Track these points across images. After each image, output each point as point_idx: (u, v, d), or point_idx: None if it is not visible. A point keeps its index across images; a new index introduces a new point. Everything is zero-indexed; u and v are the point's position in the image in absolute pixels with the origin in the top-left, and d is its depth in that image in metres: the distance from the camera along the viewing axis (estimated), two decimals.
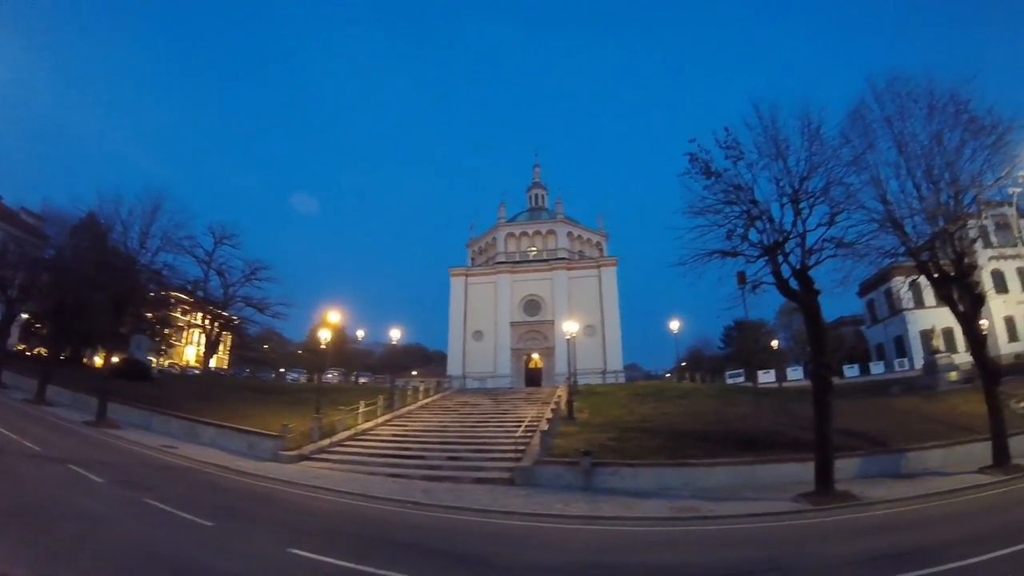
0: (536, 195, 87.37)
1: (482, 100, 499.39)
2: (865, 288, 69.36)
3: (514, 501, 19.03)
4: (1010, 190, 26.29)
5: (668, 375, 72.83)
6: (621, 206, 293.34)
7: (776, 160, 22.44)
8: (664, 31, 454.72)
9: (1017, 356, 58.79)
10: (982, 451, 24.08)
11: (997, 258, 61.15)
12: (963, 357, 47.21)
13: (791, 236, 22.10)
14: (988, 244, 60.97)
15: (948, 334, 54.96)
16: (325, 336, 39.61)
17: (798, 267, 22.16)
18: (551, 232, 78.08)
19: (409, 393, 41.79)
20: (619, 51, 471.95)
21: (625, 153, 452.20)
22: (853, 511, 17.92)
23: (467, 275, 74.35)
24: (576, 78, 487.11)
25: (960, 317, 25.89)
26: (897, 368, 62.91)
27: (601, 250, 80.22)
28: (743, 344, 75.49)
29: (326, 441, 28.75)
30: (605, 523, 16.54)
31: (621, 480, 22.17)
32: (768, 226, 22.26)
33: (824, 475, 19.95)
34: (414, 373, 77.37)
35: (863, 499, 19.17)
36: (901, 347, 67.78)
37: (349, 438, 29.97)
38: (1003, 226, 59.91)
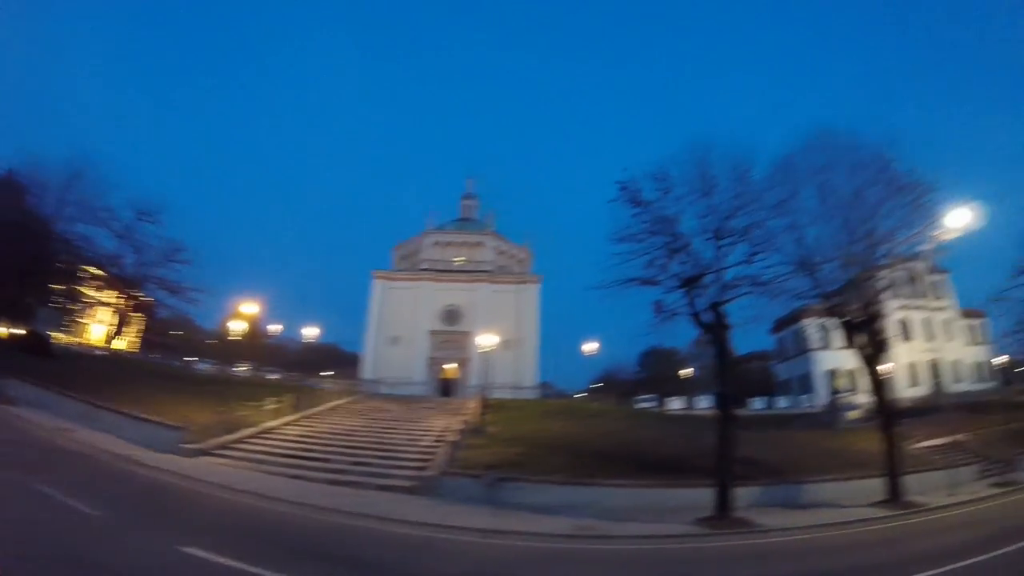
0: (467, 205, 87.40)
1: (428, 107, 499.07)
2: (777, 326, 71.73)
3: (415, 511, 18.84)
4: (920, 247, 27.60)
5: (582, 395, 73.73)
6: (549, 226, 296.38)
7: (703, 197, 23.21)
8: (618, 57, 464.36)
9: (916, 399, 61.79)
10: (876, 486, 25.31)
11: (905, 308, 64.48)
12: (863, 397, 49.41)
13: (709, 271, 22.84)
14: (898, 295, 64.24)
15: (851, 375, 57.30)
16: (238, 327, 38.58)
17: (713, 301, 22.89)
18: (478, 244, 78.00)
19: (319, 394, 40.97)
20: (567, 73, 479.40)
21: (558, 175, 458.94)
22: (748, 537, 18.50)
23: (390, 279, 73.44)
24: (521, 98, 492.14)
25: (864, 360, 27.14)
26: (802, 404, 64.76)
27: (526, 267, 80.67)
28: (656, 370, 76.95)
29: (230, 436, 27.76)
30: (504, 537, 16.54)
31: (525, 496, 22.13)
32: (688, 259, 22.97)
33: (723, 501, 20.55)
34: (327, 374, 75.69)
35: (759, 526, 19.84)
36: (806, 384, 69.97)
37: (254, 435, 28.99)
38: (912, 280, 63.11)
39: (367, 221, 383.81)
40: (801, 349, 71.49)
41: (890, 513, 22.82)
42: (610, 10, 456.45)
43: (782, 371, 78.64)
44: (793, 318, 64.59)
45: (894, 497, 24.32)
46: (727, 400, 22.76)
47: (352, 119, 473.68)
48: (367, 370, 68.22)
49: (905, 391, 66.25)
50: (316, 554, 12.53)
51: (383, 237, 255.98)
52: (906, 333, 70.07)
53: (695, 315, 22.79)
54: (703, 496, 21.41)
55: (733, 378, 23.79)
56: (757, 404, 64.86)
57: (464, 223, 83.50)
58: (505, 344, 65.50)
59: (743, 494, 23.46)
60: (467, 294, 72.15)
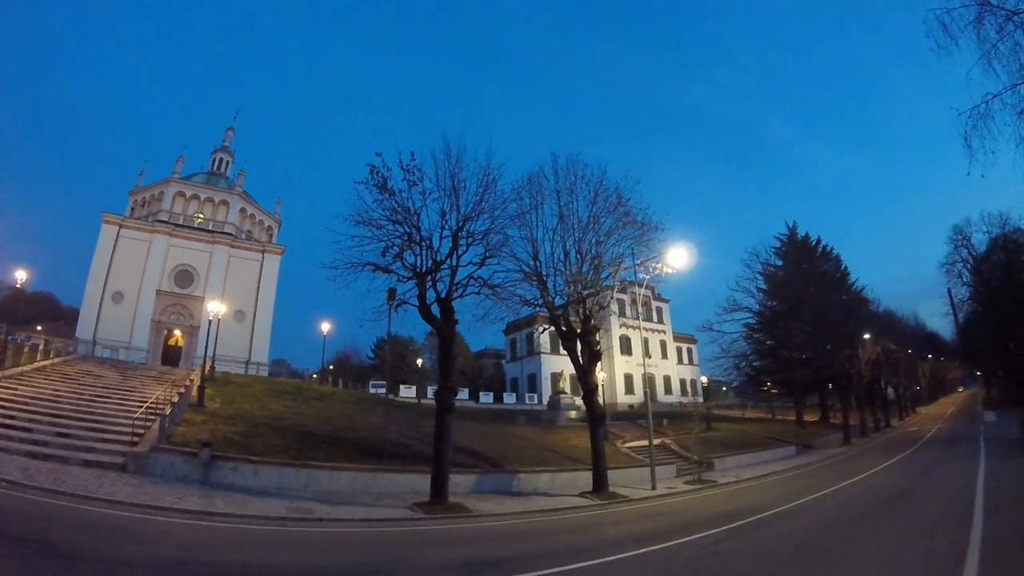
0: (221, 159, 78.18)
1: (196, 46, 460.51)
2: (510, 328, 75.83)
3: (123, 490, 17.57)
4: (642, 275, 30.94)
5: (314, 376, 72.20)
6: (302, 199, 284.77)
7: (450, 196, 23.86)
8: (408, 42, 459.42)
9: (631, 406, 68.52)
10: (585, 478, 27.78)
11: (627, 327, 71.12)
12: (581, 400, 53.57)
13: (443, 266, 23.60)
14: (623, 314, 70.92)
15: (575, 379, 61.57)
16: None
17: (443, 296, 23.76)
18: (224, 203, 71.26)
19: (27, 351, 36.48)
20: (349, 50, 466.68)
21: (319, 150, 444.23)
22: (463, 522, 19.34)
23: (122, 225, 62.99)
24: (295, 63, 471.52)
25: (578, 367, 29.47)
26: (527, 401, 69.15)
27: (271, 236, 75.75)
28: (391, 358, 77.65)
29: None
30: (215, 519, 16.02)
31: (242, 476, 21.55)
32: (425, 252, 23.50)
33: (439, 487, 21.33)
34: (38, 328, 65.97)
35: (474, 511, 20.83)
36: (534, 384, 74.87)
37: None
38: (637, 303, 69.76)
39: (109, 152, 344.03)
40: (531, 351, 76.09)
41: (594, 503, 24.90)
42: None
43: (513, 370, 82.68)
44: (527, 322, 68.40)
45: (599, 488, 26.67)
46: (445, 391, 23.53)
47: (109, 36, 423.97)
48: (84, 329, 58.00)
49: (622, 398, 73.58)
50: (6, 538, 11.17)
51: (124, 175, 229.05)
52: (627, 348, 77.55)
53: (424, 307, 23.35)
54: (423, 482, 22.22)
55: (457, 372, 24.77)
56: (485, 398, 67.31)
57: (213, 178, 75.01)
58: (239, 315, 63.36)
59: (462, 481, 24.81)
60: (204, 256, 65.33)
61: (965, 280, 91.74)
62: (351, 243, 23.19)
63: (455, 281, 23.98)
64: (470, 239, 24.04)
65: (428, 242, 23.56)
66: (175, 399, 28.02)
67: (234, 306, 60.92)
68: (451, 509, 20.73)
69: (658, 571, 11.46)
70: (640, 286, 32.86)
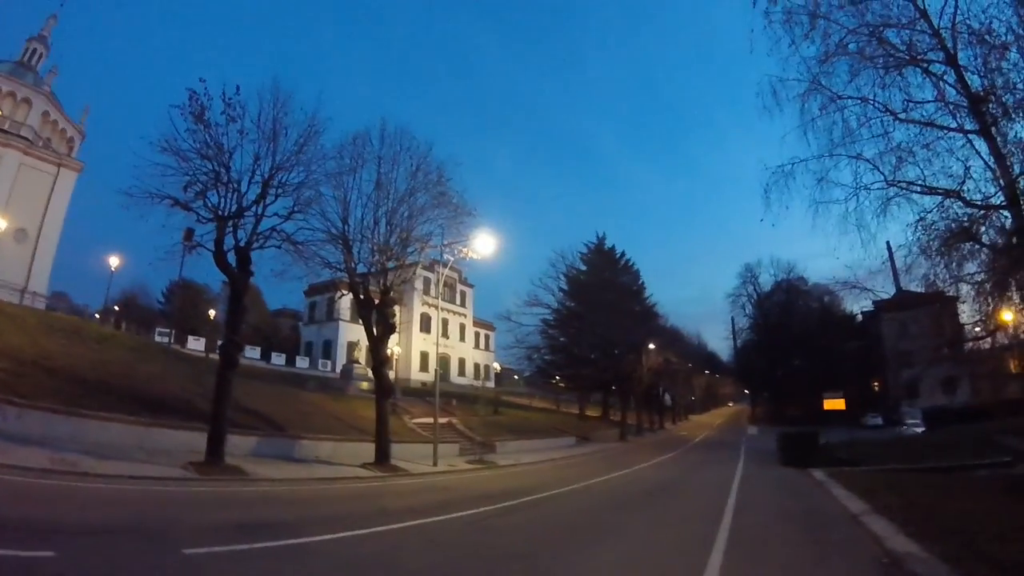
0: (34, 50, 63.66)
1: None
2: (311, 291, 73.74)
3: None
4: (448, 257, 31.13)
5: (96, 315, 65.86)
6: (112, 115, 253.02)
7: (269, 140, 22.59)
8: None
9: (424, 383, 68.70)
10: (368, 450, 27.28)
11: (429, 305, 71.76)
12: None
13: (247, 213, 22.34)
14: (427, 292, 71.60)
15: (368, 349, 61.43)
16: None
17: (243, 244, 22.47)
18: (27, 100, 58.45)
19: None
20: None
21: (143, 64, 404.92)
22: (238, 484, 18.52)
23: None
24: None
25: (371, 337, 28.99)
26: (321, 368, 67.60)
27: (71, 148, 63.41)
28: (183, 306, 73.05)
29: None
30: None
31: (3, 420, 18.93)
32: (231, 196, 22.01)
33: (215, 447, 20.22)
34: None
35: (251, 475, 19.92)
36: (329, 351, 73.66)
37: None
38: (442, 284, 70.28)
39: None
40: (330, 317, 74.91)
41: (375, 474, 24.72)
42: None
43: (309, 334, 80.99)
44: (328, 286, 66.66)
45: (381, 460, 26.45)
46: (231, 346, 22.35)
47: None
48: None
49: (416, 374, 73.83)
50: None
51: None
52: (427, 326, 77.96)
53: (220, 253, 21.90)
54: (200, 440, 20.89)
55: (240, 324, 23.45)
56: (277, 359, 65.53)
57: (20, 69, 61.20)
58: (19, 234, 53.43)
59: (242, 443, 23.79)
60: None
61: (747, 312, 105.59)
62: (153, 171, 20.88)
63: (257, 231, 22.63)
64: (280, 189, 22.85)
65: (236, 185, 22.05)
66: None
67: (16, 222, 52.02)
68: (227, 471, 19.74)
69: (428, 541, 11.45)
70: (444, 267, 32.98)
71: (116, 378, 26.99)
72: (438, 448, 30.58)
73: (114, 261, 50.24)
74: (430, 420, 36.05)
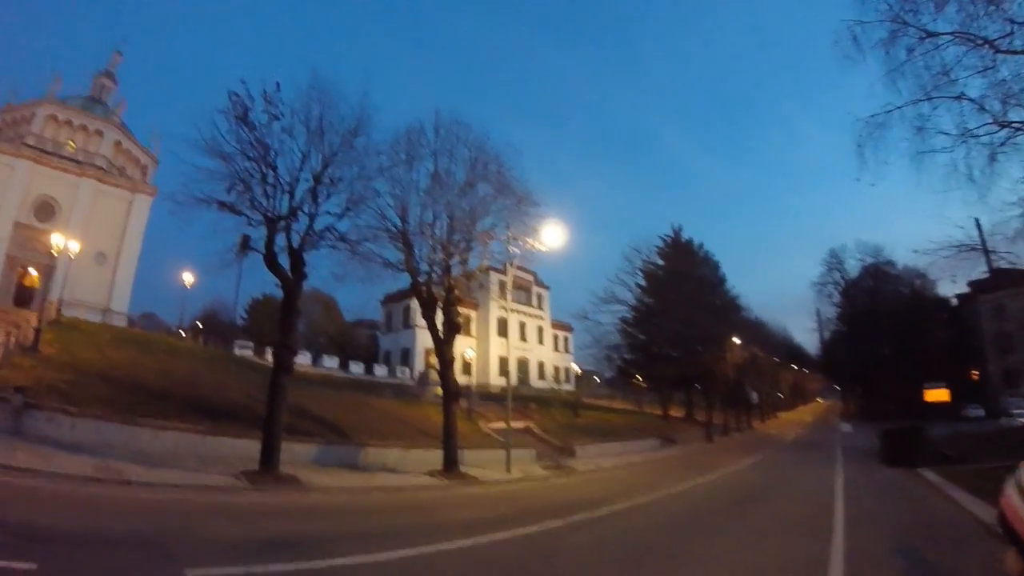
0: (102, 85, 69.32)
1: None
2: (388, 300, 73.61)
3: None
4: (514, 249, 28.99)
5: (181, 331, 67.73)
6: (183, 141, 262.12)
7: (317, 135, 21.61)
8: None
9: (502, 389, 67.41)
10: (438, 457, 25.94)
11: (505, 309, 70.64)
12: (462, 379, 52.81)
13: (298, 211, 21.50)
14: (503, 296, 70.37)
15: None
16: None
17: (296, 247, 21.66)
18: (99, 132, 63.51)
19: None
20: None
21: (208, 87, 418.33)
22: (288, 494, 17.60)
23: None
24: None
25: (436, 338, 27.80)
26: (399, 375, 66.86)
27: (145, 174, 68.24)
28: (262, 319, 74.17)
29: None
30: (10, 474, 13.86)
31: (58, 428, 19.00)
32: (279, 195, 21.20)
33: (269, 455, 19.39)
34: None
35: (305, 484, 18.98)
36: (407, 358, 72.90)
37: None
38: (518, 287, 68.95)
39: None
40: (407, 324, 74.35)
41: (440, 483, 23.42)
42: None
43: (387, 342, 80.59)
44: (403, 294, 66.59)
45: (449, 468, 25.10)
46: (284, 350, 21.42)
47: None
48: None
49: (496, 379, 72.74)
50: None
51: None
52: (504, 331, 76.85)
53: (270, 255, 21.09)
54: (258, 448, 20.02)
55: (293, 327, 22.38)
56: (356, 368, 65.33)
57: (91, 103, 66.40)
58: (99, 257, 57.32)
59: (303, 451, 23.10)
60: (70, 188, 57.87)
61: (834, 300, 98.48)
62: (199, 175, 20.29)
63: (310, 230, 21.80)
64: (332, 186, 21.93)
65: (285, 185, 21.26)
66: (5, 340, 25.23)
67: (96, 247, 55.34)
68: (281, 480, 18.82)
69: (475, 566, 9.95)
70: (512, 263, 31.09)
71: (179, 387, 26.87)
72: (512, 454, 29.16)
73: (188, 278, 51.22)
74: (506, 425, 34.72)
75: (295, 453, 21.81)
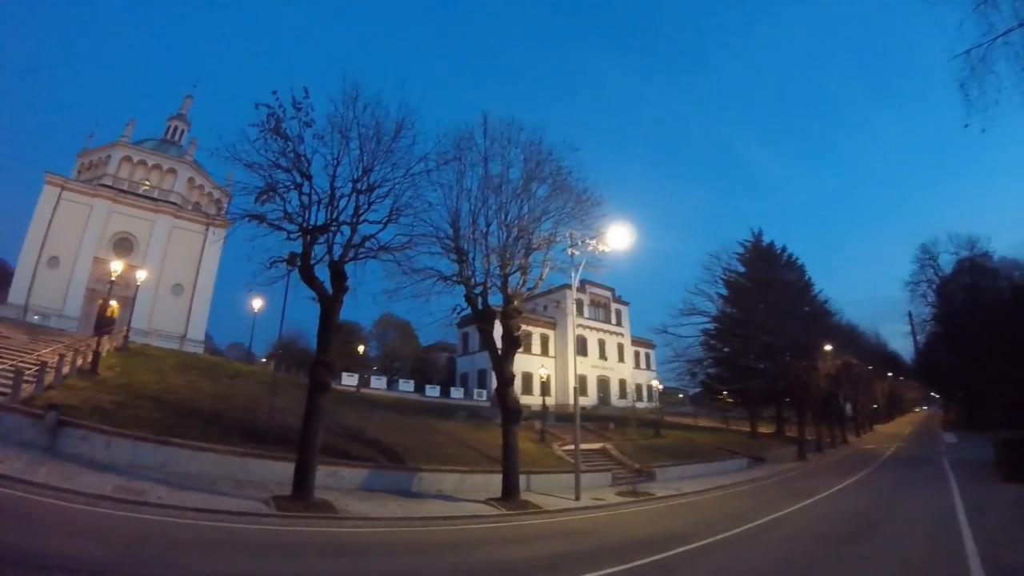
0: (175, 128, 73.43)
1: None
2: (463, 322, 72.79)
3: None
4: (574, 252, 26.91)
5: (263, 360, 68.91)
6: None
7: (348, 144, 20.51)
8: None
9: (583, 409, 65.38)
10: (498, 482, 24.33)
11: (583, 327, 68.51)
12: (537, 400, 51.47)
13: (334, 223, 20.26)
14: (580, 314, 68.52)
15: (527, 378, 62.30)
16: None
17: (336, 259, 20.38)
18: (172, 171, 66.77)
19: None
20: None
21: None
22: (318, 524, 16.23)
23: (64, 187, 58.31)
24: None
25: (493, 353, 26.37)
26: (475, 397, 66.31)
27: (220, 209, 69.57)
28: (341, 346, 74.65)
29: None
30: (27, 490, 13.57)
31: (91, 447, 18.69)
32: (315, 206, 20.05)
33: (302, 479, 18.25)
34: None
35: (341, 512, 17.72)
36: (483, 380, 71.53)
37: None
38: (595, 304, 66.50)
39: (68, 113, 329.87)
40: (482, 346, 72.66)
41: (497, 512, 21.60)
42: None
43: (464, 365, 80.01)
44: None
45: (509, 495, 23.37)
46: (321, 368, 20.31)
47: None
48: (17, 294, 54.42)
49: (573, 399, 70.62)
50: None
51: (73, 136, 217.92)
52: (583, 349, 74.64)
53: (306, 267, 19.98)
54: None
55: (330, 344, 21.00)
56: (431, 392, 64.66)
57: (164, 145, 70.47)
58: (176, 289, 59.97)
59: (350, 475, 22.13)
60: (146, 224, 60.91)
61: (929, 300, 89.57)
62: (234, 190, 20.46)
63: (350, 242, 20.54)
64: (371, 192, 20.62)
65: (320, 193, 20.15)
66: (72, 362, 25.57)
67: (173, 279, 58.35)
68: (313, 507, 17.55)
69: None
70: (577, 268, 28.76)
71: (233, 410, 26.43)
72: (585, 478, 27.33)
73: (257, 303, 51.24)
74: (582, 446, 32.50)
75: (341, 478, 21.01)
